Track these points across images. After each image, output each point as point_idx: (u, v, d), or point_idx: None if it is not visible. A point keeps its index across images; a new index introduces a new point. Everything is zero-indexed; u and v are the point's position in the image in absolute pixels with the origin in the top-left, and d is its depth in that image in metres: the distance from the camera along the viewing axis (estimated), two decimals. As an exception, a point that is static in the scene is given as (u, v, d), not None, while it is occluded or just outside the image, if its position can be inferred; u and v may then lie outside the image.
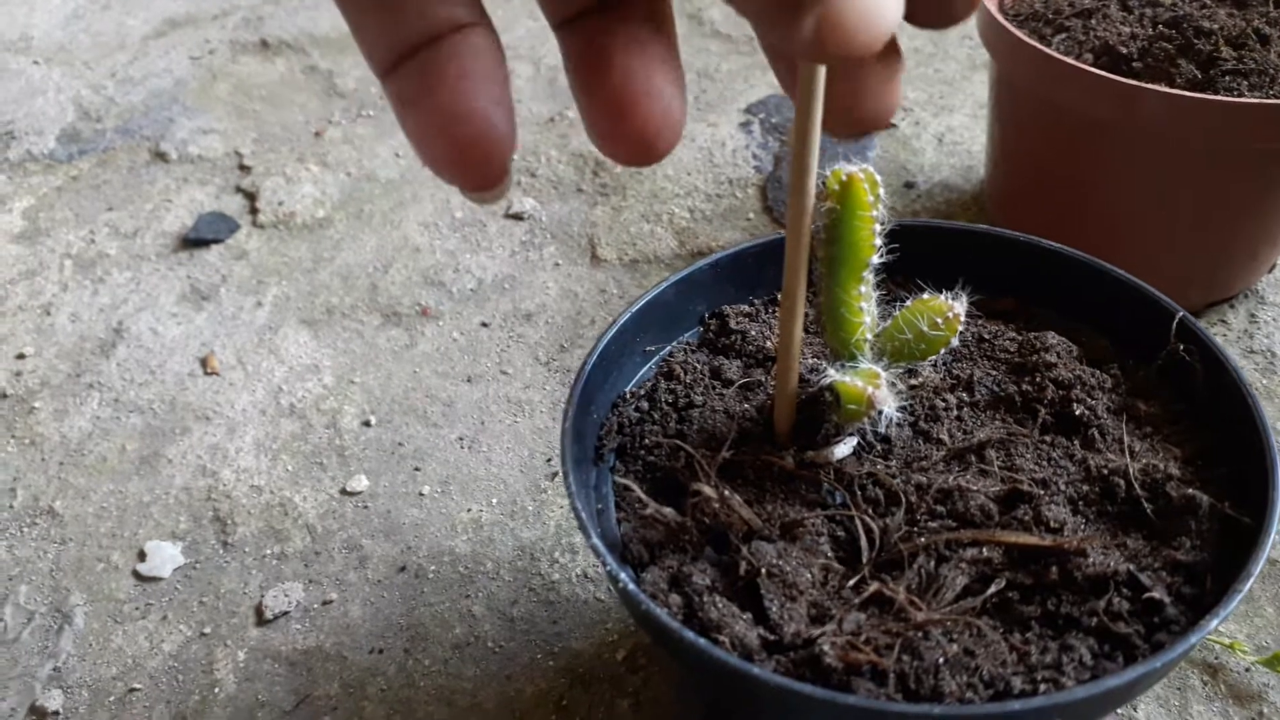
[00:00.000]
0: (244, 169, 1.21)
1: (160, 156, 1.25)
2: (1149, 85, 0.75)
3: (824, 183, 0.49)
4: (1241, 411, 0.50)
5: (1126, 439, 0.53)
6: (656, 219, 1.09)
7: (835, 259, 0.50)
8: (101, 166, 1.24)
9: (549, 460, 0.86)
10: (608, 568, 0.46)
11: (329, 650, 0.74)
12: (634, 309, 0.62)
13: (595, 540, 0.48)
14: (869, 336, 0.53)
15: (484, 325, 0.99)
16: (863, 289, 0.51)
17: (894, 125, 1.16)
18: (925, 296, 0.52)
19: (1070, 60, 0.78)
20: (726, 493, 0.51)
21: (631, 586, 0.46)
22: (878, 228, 0.48)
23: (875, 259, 0.50)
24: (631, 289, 1.01)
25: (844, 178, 0.47)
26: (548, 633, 0.73)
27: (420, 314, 1.01)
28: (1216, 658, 0.68)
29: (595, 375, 0.59)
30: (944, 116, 1.17)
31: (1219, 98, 0.74)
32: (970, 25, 1.31)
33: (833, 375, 0.51)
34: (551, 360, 0.94)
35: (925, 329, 0.51)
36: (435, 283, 1.04)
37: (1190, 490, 0.49)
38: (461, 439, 0.88)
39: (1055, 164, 0.87)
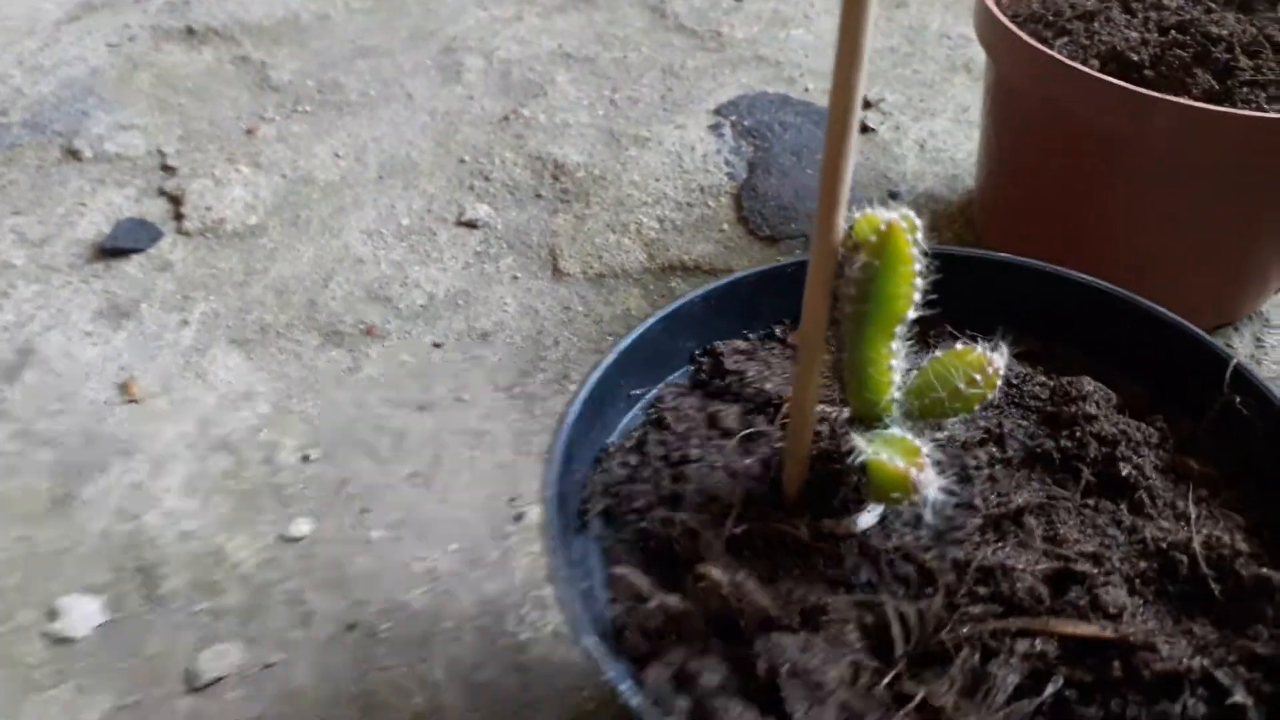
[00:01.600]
0: (167, 170, 1.11)
1: (73, 155, 1.14)
2: (1164, 96, 0.70)
3: (851, 228, 0.42)
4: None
5: (1181, 504, 0.47)
6: (623, 229, 1.01)
7: (865, 314, 0.43)
8: (6, 165, 1.13)
9: (512, 500, 0.78)
10: (608, 680, 0.39)
11: (270, 723, 0.66)
12: (618, 349, 0.55)
13: (588, 641, 0.41)
14: (897, 395, 0.46)
15: (436, 346, 0.91)
16: (894, 345, 0.45)
17: (872, 129, 1.10)
18: (959, 347, 0.46)
19: (1080, 67, 0.73)
20: (739, 577, 0.44)
21: (636, 701, 0.39)
22: (919, 281, 0.42)
23: (911, 313, 0.43)
24: (598, 306, 0.93)
25: (882, 226, 0.41)
26: (518, 701, 0.66)
27: (365, 333, 0.92)
28: None
29: (577, 428, 0.51)
30: (925, 121, 1.11)
31: (1236, 111, 0.69)
32: (948, 23, 1.26)
33: (862, 449, 0.44)
34: (513, 385, 0.87)
35: (961, 386, 0.45)
36: (380, 298, 0.95)
37: (1262, 570, 0.43)
38: (414, 475, 0.80)
39: (1055, 176, 0.82)
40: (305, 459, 0.82)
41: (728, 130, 1.11)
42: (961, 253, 0.59)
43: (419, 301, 0.95)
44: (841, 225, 0.43)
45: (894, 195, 1.00)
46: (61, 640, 0.71)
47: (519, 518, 0.77)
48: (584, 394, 0.52)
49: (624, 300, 0.94)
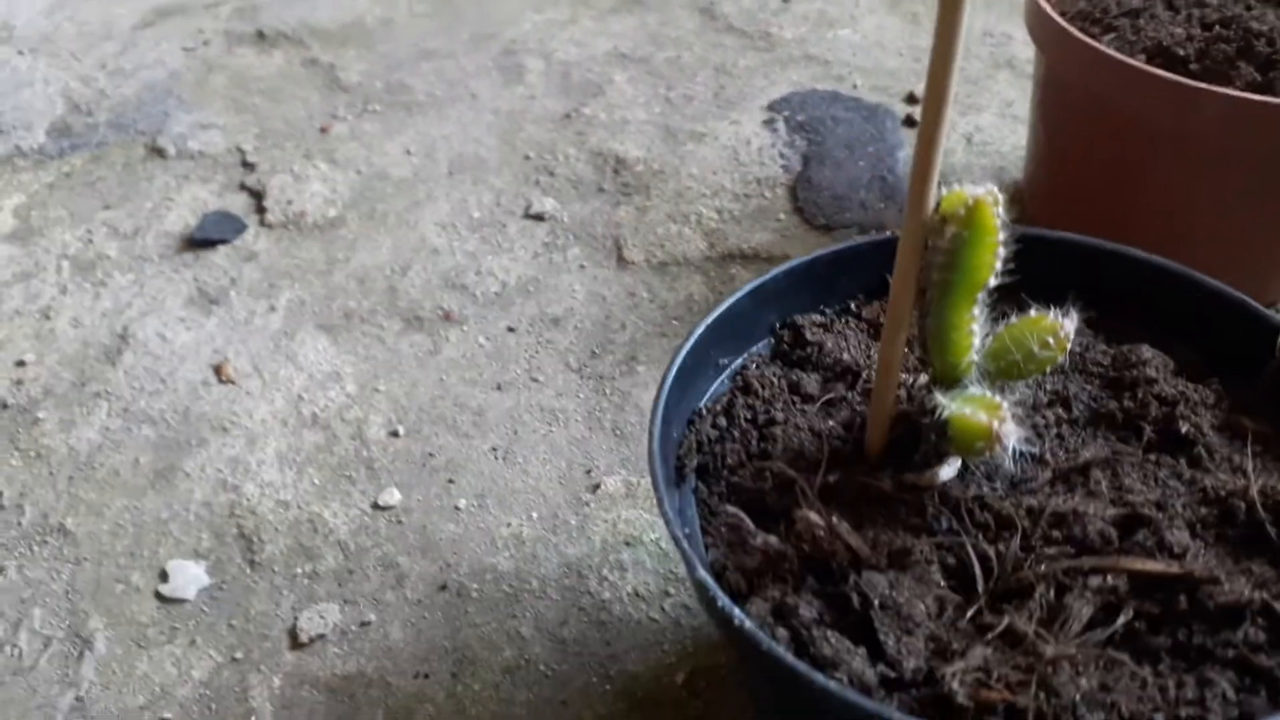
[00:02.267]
0: (248, 166, 1.17)
1: (158, 152, 1.20)
2: (1208, 87, 0.73)
3: (939, 203, 0.47)
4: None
5: (1238, 458, 0.51)
6: (684, 219, 1.06)
7: (950, 282, 0.47)
8: (95, 163, 1.19)
9: (588, 472, 0.82)
10: (720, 606, 0.43)
11: (371, 675, 0.70)
12: (710, 318, 0.59)
13: (702, 573, 0.45)
14: (976, 359, 0.50)
15: (510, 330, 0.96)
16: (975, 311, 0.49)
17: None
18: (1032, 314, 0.50)
19: (1129, 60, 0.77)
20: (834, 519, 0.49)
21: (749, 624, 0.43)
22: (1001, 251, 0.46)
23: (992, 281, 0.47)
24: (662, 292, 0.98)
25: (970, 201, 0.45)
26: (601, 655, 0.70)
27: (443, 318, 0.97)
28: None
29: (674, 391, 0.56)
30: (971, 116, 1.15)
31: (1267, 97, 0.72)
32: (991, 22, 1.30)
33: (945, 405, 0.48)
34: (583, 367, 0.91)
35: (1035, 349, 0.49)
36: (456, 286, 1.00)
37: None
38: (495, 449, 0.85)
39: (1103, 166, 0.85)
40: (392, 434, 0.86)
41: (781, 125, 1.15)
42: (1032, 232, 0.63)
43: (492, 289, 1.00)
44: (931, 203, 0.47)
45: (944, 186, 1.04)
46: (171, 600, 0.76)
47: (595, 488, 0.81)
48: (679, 360, 0.56)
49: (687, 286, 0.98)
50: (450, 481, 0.82)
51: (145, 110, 1.27)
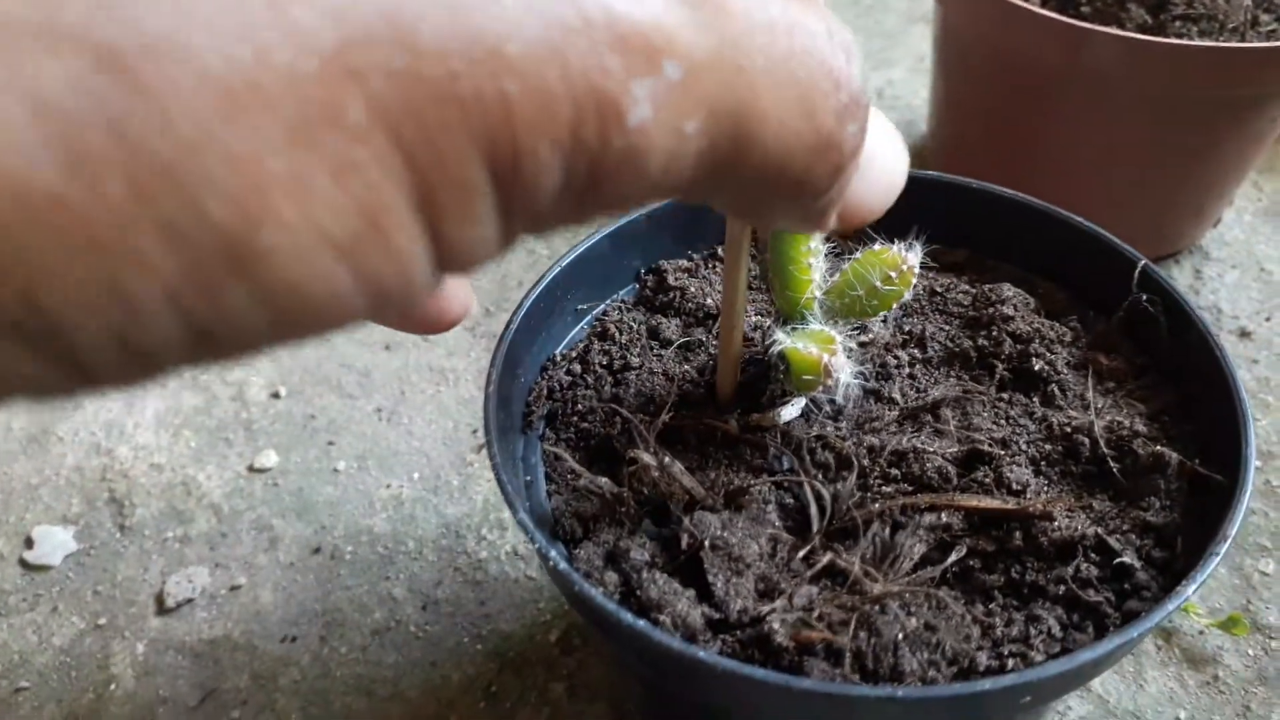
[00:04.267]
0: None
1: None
2: (1098, 28, 0.72)
3: None
4: (1209, 365, 0.48)
5: (1089, 395, 0.50)
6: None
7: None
8: None
9: (474, 432, 0.80)
10: (536, 545, 0.42)
11: (237, 639, 0.68)
12: (563, 263, 0.57)
13: (522, 515, 0.43)
14: (818, 294, 0.49)
15: (404, 289, 0.93)
16: (812, 244, 0.47)
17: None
18: (876, 248, 0.48)
19: (1018, 2, 0.75)
20: (666, 460, 0.47)
21: (563, 565, 0.41)
22: None
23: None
24: (562, 248, 0.95)
25: None
26: (475, 615, 0.68)
27: (335, 278, 0.94)
28: (1170, 621, 0.66)
29: (521, 336, 0.54)
30: (884, 70, 1.13)
31: (1170, 41, 0.71)
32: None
33: (782, 340, 0.47)
34: (476, 325, 0.89)
35: (878, 284, 0.47)
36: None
37: (1158, 448, 0.46)
38: (379, 410, 0.82)
39: (1000, 114, 0.84)
40: (274, 395, 0.84)
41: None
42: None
43: (387, 248, 0.97)
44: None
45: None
46: (36, 567, 0.73)
47: (481, 448, 0.79)
48: (527, 304, 0.54)
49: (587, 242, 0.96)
50: (330, 443, 0.80)
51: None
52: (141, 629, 0.69)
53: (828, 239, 0.49)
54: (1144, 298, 0.52)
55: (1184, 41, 0.71)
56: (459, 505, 0.75)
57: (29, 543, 0.75)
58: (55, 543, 0.75)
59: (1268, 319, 0.83)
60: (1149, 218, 0.84)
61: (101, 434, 0.82)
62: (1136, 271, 0.52)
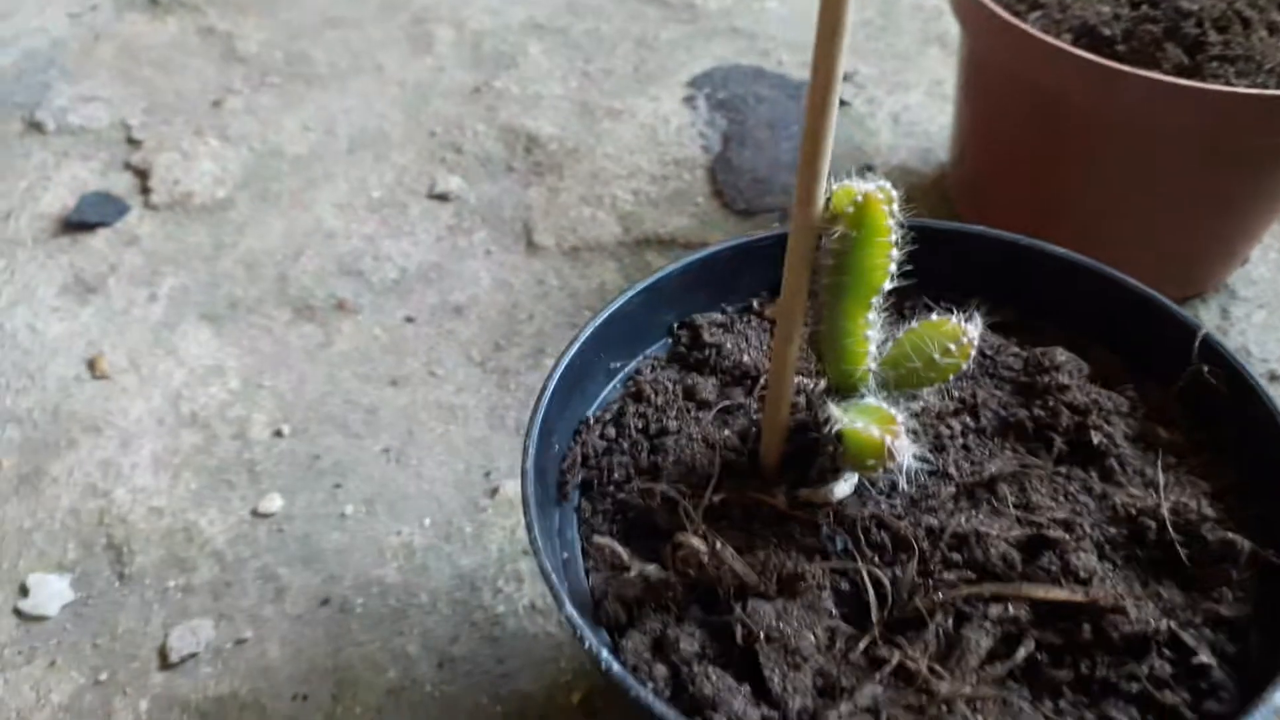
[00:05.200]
0: (133, 143, 1.09)
1: (36, 127, 1.11)
2: (1134, 70, 0.70)
3: (830, 199, 0.42)
4: (1276, 445, 0.46)
5: (1150, 472, 0.48)
6: (598, 202, 1.01)
7: (842, 285, 0.43)
8: (-33, 137, 1.10)
9: (487, 474, 0.78)
10: (587, 646, 0.39)
11: (245, 697, 0.65)
12: (596, 322, 0.55)
13: (570, 611, 0.41)
14: (873, 366, 0.46)
15: (409, 320, 0.90)
16: (870, 316, 0.45)
17: (847, 103, 1.10)
18: (934, 318, 0.46)
19: (1051, 39, 0.73)
20: (719, 545, 0.45)
21: (616, 669, 0.39)
22: (895, 253, 0.42)
23: (888, 285, 0.43)
24: (573, 279, 0.93)
25: (859, 198, 0.41)
26: (493, 674, 0.66)
27: (337, 308, 0.91)
28: None
29: (556, 401, 0.51)
30: (899, 94, 1.11)
31: (1203, 86, 0.69)
32: (919, -3, 1.26)
33: (838, 418, 0.44)
34: (486, 360, 0.86)
35: (936, 356, 0.45)
36: (352, 272, 0.94)
37: (1228, 534, 0.44)
38: (387, 451, 0.80)
39: (1028, 150, 0.82)
40: (276, 434, 0.81)
41: (702, 102, 1.10)
42: (938, 225, 0.59)
43: (391, 275, 0.94)
44: (821, 198, 0.43)
45: (869, 169, 1.00)
46: (32, 618, 0.70)
47: (494, 492, 0.76)
48: (561, 368, 0.52)
49: (599, 274, 0.93)
50: (337, 486, 0.77)
51: (24, 81, 1.18)
52: (144, 685, 0.66)
53: (885, 309, 0.46)
54: (1205, 369, 0.50)
55: (1218, 87, 0.69)
56: (473, 555, 0.72)
57: (24, 591, 0.72)
58: (51, 591, 0.72)
59: (1297, 362, 0.82)
60: (1178, 258, 0.82)
61: (98, 474, 0.78)
62: (1197, 342, 0.50)
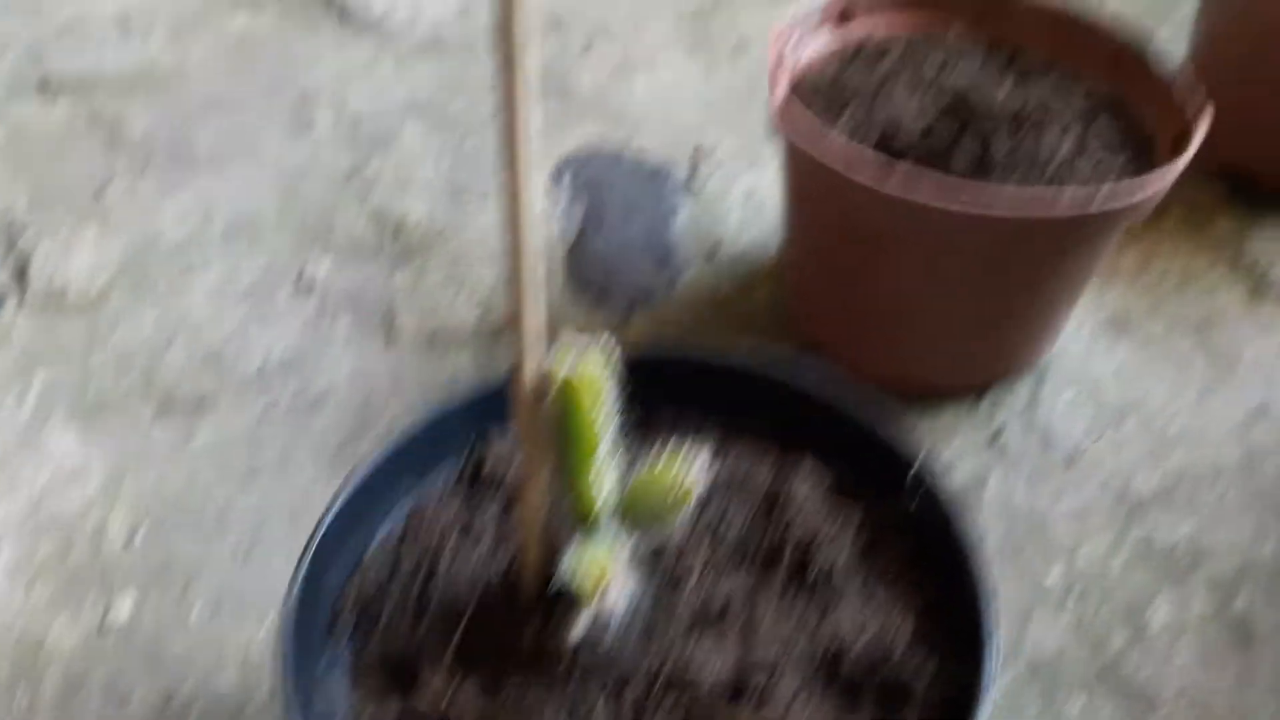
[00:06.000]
0: (13, 235, 1.12)
1: (-84, 221, 1.14)
2: (901, 197, 0.74)
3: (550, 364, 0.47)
4: (965, 574, 0.50)
5: (858, 600, 0.53)
6: (459, 286, 1.05)
7: (565, 442, 0.48)
8: None
9: (332, 570, 0.81)
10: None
11: (82, 808, 0.69)
12: (380, 454, 0.59)
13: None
14: (611, 502, 0.51)
15: (267, 412, 0.93)
16: (596, 468, 0.49)
17: (692, 189, 1.14)
18: (659, 465, 0.50)
19: (835, 136, 0.78)
20: (460, 685, 0.49)
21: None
22: (605, 420, 0.46)
23: (606, 444, 0.47)
24: (426, 370, 0.97)
25: (560, 379, 0.45)
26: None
27: (198, 401, 0.94)
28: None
29: (330, 539, 0.55)
30: (755, 171, 1.15)
31: (985, 184, 0.74)
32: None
33: (568, 558, 0.49)
34: (336, 455, 0.90)
35: (664, 499, 0.50)
36: (216, 364, 0.98)
37: (903, 678, 0.49)
38: (236, 550, 0.83)
39: (838, 241, 0.87)
40: (131, 536, 0.84)
41: (566, 185, 1.14)
42: (691, 357, 0.63)
43: (253, 366, 0.97)
44: (536, 356, 0.48)
45: (715, 254, 1.05)
46: (-119, 728, 0.73)
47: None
48: (337, 505, 0.56)
49: (453, 364, 0.97)
50: (186, 589, 0.80)
51: (-93, 172, 1.20)
52: (-14, 798, 0.69)
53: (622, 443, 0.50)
54: (918, 493, 0.54)
55: (992, 183, 0.74)
56: (310, 654, 0.76)
57: None
58: (-102, 707, 0.75)
59: (1098, 439, 0.87)
60: (989, 348, 0.87)
61: (-47, 584, 0.81)
62: (912, 471, 0.55)
